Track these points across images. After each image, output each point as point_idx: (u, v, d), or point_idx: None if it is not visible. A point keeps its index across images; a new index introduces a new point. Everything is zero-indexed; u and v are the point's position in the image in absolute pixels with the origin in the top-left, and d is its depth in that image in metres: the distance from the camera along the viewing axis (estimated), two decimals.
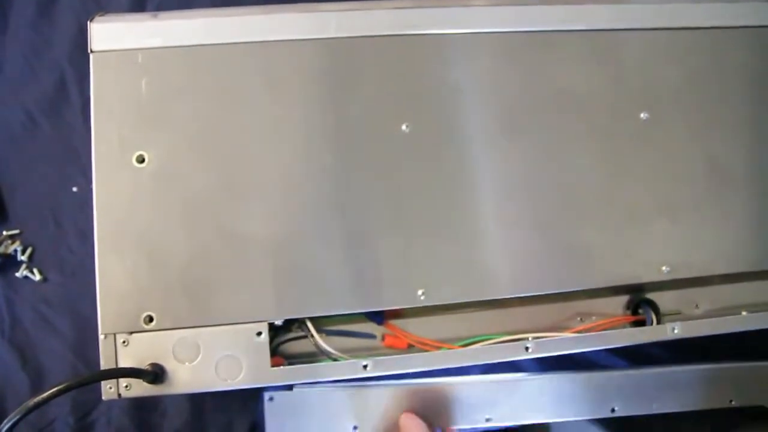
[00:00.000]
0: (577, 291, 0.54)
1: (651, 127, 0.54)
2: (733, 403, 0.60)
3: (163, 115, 0.51)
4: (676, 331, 0.53)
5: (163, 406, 0.68)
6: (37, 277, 0.65)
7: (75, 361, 0.65)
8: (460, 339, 0.54)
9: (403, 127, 0.52)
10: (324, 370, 0.50)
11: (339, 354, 0.52)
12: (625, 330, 0.54)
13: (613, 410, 0.59)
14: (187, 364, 0.49)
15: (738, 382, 0.60)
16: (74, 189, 0.67)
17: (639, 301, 0.57)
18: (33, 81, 0.68)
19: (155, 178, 0.50)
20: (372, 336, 0.54)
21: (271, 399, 0.56)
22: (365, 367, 0.49)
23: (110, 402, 0.67)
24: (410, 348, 0.55)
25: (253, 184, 0.51)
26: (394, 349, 0.54)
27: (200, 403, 0.68)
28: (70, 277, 0.66)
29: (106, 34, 0.51)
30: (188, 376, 0.49)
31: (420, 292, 0.51)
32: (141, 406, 0.67)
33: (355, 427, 0.56)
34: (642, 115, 0.55)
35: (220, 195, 0.50)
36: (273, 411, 0.56)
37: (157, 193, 0.50)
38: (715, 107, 0.55)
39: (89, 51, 0.51)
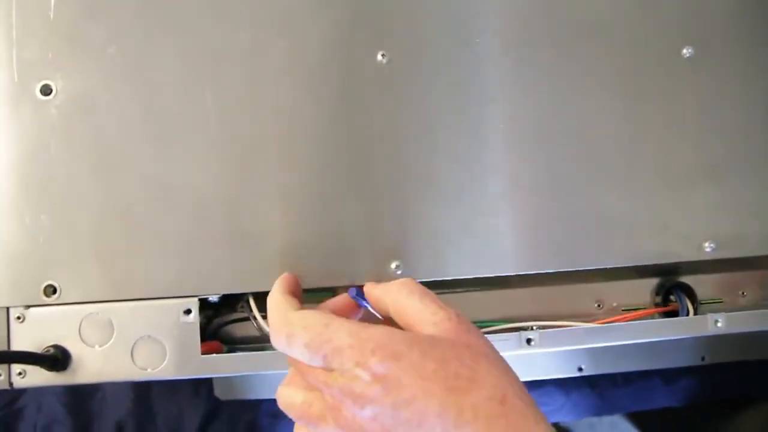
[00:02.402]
0: (594, 271, 0.43)
1: (695, 66, 0.43)
2: (705, 360, 0.61)
3: (76, 36, 0.40)
4: (719, 325, 0.41)
5: (102, 393, 0.58)
6: None
7: None
8: None
9: (379, 56, 0.41)
10: (268, 359, 0.39)
11: None
12: (654, 321, 0.43)
13: (580, 369, 0.61)
14: (97, 347, 0.39)
15: (710, 339, 0.59)
16: None
17: (671, 286, 0.46)
18: None
19: (64, 114, 0.40)
20: None
21: None
22: None
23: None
24: None
25: (188, 125, 0.40)
26: None
27: (145, 389, 0.58)
28: None
29: None
30: (98, 363, 0.39)
31: (394, 264, 0.40)
32: (76, 391, 0.58)
33: None
34: (684, 50, 0.43)
35: (145, 138, 0.40)
36: None
37: (65, 133, 0.40)
38: None
39: None
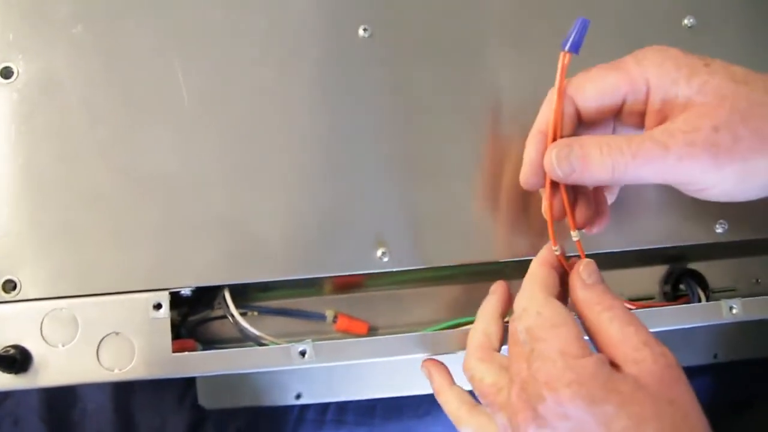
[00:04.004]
0: (596, 256, 0.40)
1: (696, 36, 0.40)
2: (717, 357, 0.57)
3: (39, 15, 0.38)
4: (734, 311, 0.38)
5: (82, 404, 0.55)
6: None
7: None
8: (438, 322, 0.40)
9: (361, 30, 0.39)
10: (245, 357, 0.36)
11: (269, 338, 0.38)
12: (663, 309, 0.39)
13: None
14: (60, 346, 0.36)
15: (722, 335, 0.56)
16: None
17: (680, 274, 0.43)
18: None
19: (26, 98, 0.37)
20: (321, 317, 0.41)
21: None
22: (302, 353, 0.36)
23: (18, 397, 0.55)
24: (372, 332, 0.41)
25: (159, 109, 0.38)
26: (349, 334, 0.41)
27: (125, 400, 0.55)
28: None
29: None
30: (61, 364, 0.36)
31: (380, 252, 0.37)
32: (55, 403, 0.55)
33: None
34: (685, 20, 0.40)
35: (113, 122, 0.37)
36: None
37: (28, 117, 0.37)
38: None
39: None
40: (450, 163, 0.38)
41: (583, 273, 0.32)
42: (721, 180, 0.29)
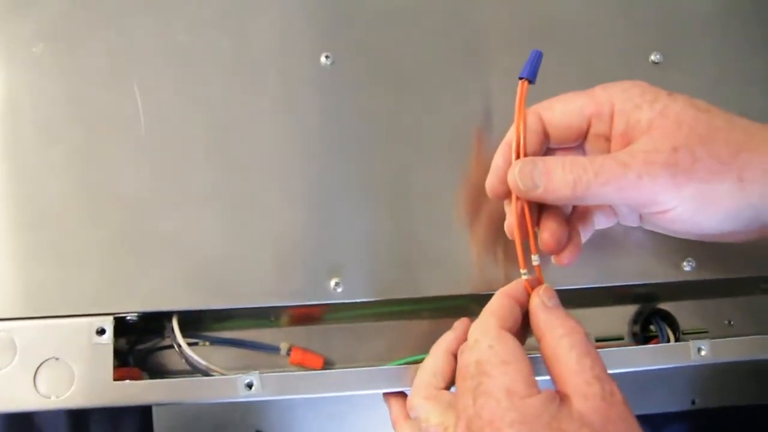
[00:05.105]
0: (564, 293, 0.39)
1: (663, 72, 0.40)
2: (695, 404, 0.55)
3: (2, 30, 0.38)
4: (703, 353, 0.37)
5: (39, 420, 0.53)
6: None
7: None
8: (398, 358, 0.39)
9: (323, 58, 0.38)
10: (190, 387, 0.35)
11: (217, 369, 0.37)
12: (629, 349, 0.38)
13: None
14: None
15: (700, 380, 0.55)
16: None
17: (649, 314, 0.41)
18: None
19: None
20: (275, 349, 0.39)
21: None
22: (249, 385, 0.34)
23: None
24: (327, 367, 0.40)
25: (114, 127, 0.37)
26: (304, 368, 0.39)
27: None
28: None
29: None
30: None
31: (333, 282, 0.36)
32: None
33: None
34: (653, 56, 0.40)
35: (68, 142, 0.37)
36: None
37: None
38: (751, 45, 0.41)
39: None
40: (410, 192, 0.38)
41: (543, 296, 0.32)
42: (681, 201, 0.30)
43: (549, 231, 0.33)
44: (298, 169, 0.37)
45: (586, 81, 0.39)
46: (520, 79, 0.33)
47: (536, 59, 0.33)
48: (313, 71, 0.38)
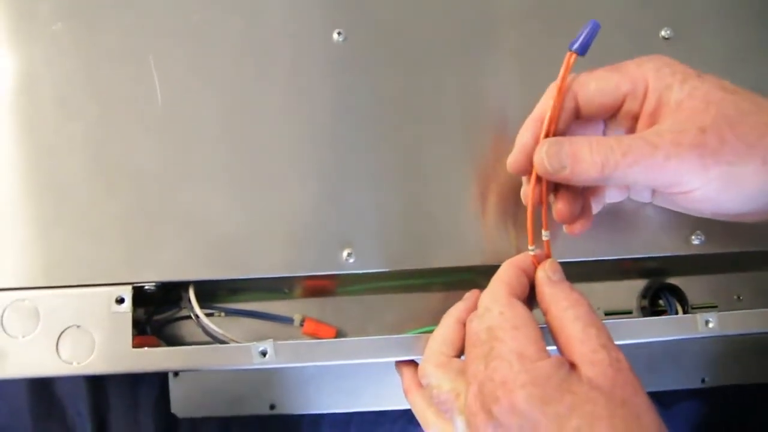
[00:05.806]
0: (571, 265, 0.39)
1: (673, 48, 0.40)
2: (705, 382, 0.55)
3: (20, 9, 0.39)
4: (711, 325, 0.37)
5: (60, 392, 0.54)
6: None
7: None
8: (409, 330, 0.40)
9: (335, 35, 0.39)
10: (205, 354, 0.36)
11: (232, 338, 0.38)
12: (636, 320, 0.38)
13: None
14: (20, 338, 0.36)
15: (711, 359, 0.55)
16: None
17: (658, 288, 0.42)
18: None
19: (2, 90, 0.38)
20: (288, 320, 0.40)
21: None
22: (263, 353, 0.35)
23: None
24: (339, 337, 0.40)
25: (131, 103, 0.38)
26: (316, 338, 0.40)
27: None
28: None
29: None
30: (19, 356, 0.35)
31: (346, 253, 0.37)
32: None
33: None
34: (663, 32, 0.40)
35: (86, 117, 0.38)
36: None
37: (3, 111, 0.38)
38: (762, 20, 0.41)
39: None
40: (421, 166, 0.38)
41: (548, 270, 0.32)
42: (707, 182, 0.29)
43: (564, 201, 0.33)
44: (311, 143, 0.38)
45: (596, 57, 0.39)
46: (570, 51, 0.31)
47: (592, 31, 0.31)
48: (325, 48, 0.39)
